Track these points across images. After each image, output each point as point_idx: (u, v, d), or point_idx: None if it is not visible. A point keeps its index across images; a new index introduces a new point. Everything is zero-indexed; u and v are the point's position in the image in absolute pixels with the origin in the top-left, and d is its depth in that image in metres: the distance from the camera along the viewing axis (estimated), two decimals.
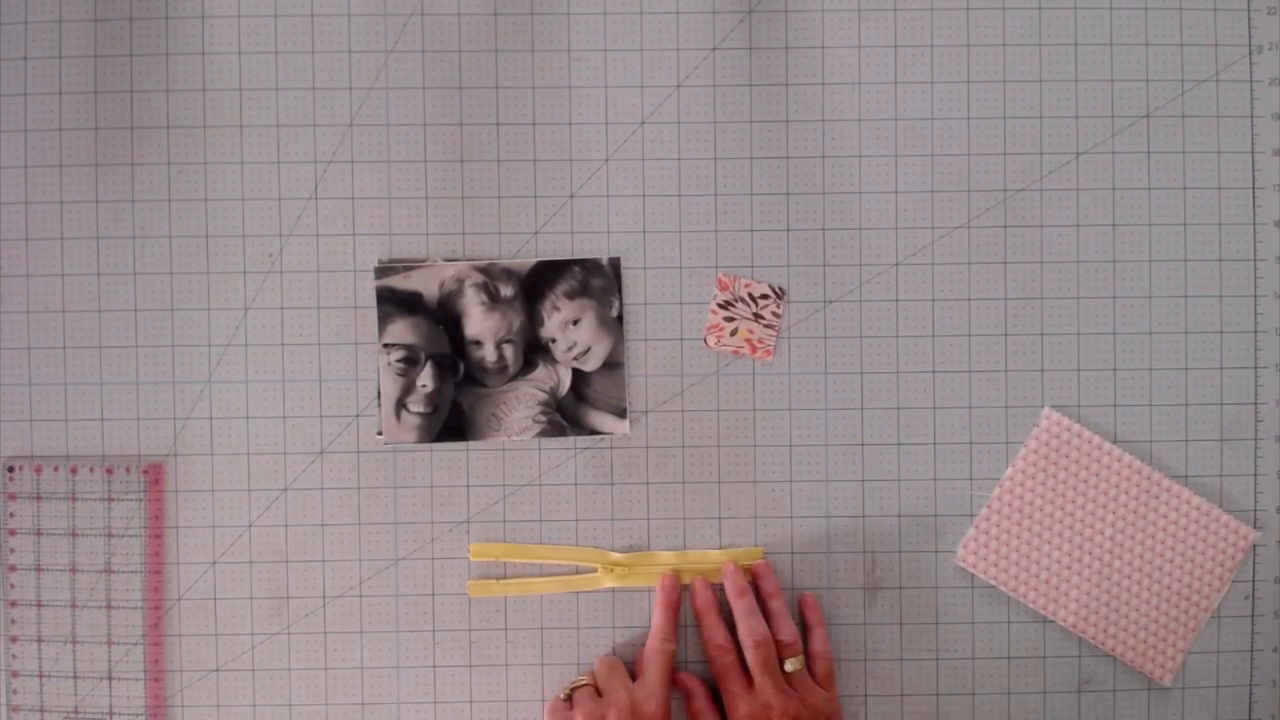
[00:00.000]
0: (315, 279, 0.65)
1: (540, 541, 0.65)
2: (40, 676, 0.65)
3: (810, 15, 0.65)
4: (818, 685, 0.62)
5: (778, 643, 0.61)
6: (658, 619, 0.63)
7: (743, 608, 0.62)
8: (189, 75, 0.65)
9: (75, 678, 0.65)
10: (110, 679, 0.65)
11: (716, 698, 0.62)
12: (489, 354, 0.65)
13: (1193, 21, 0.65)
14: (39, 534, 0.65)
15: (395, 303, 0.65)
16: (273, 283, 0.65)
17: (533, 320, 0.65)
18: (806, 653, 0.63)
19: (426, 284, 0.65)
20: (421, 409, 0.65)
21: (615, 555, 0.65)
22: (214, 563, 0.65)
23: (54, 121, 0.65)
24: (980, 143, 0.65)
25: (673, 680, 0.62)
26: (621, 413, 0.65)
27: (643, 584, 0.65)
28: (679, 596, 0.64)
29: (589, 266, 0.65)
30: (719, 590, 0.64)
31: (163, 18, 0.65)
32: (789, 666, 0.61)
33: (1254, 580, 0.65)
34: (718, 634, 0.62)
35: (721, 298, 0.65)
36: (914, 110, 0.65)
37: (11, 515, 0.65)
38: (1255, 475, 0.65)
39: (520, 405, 0.65)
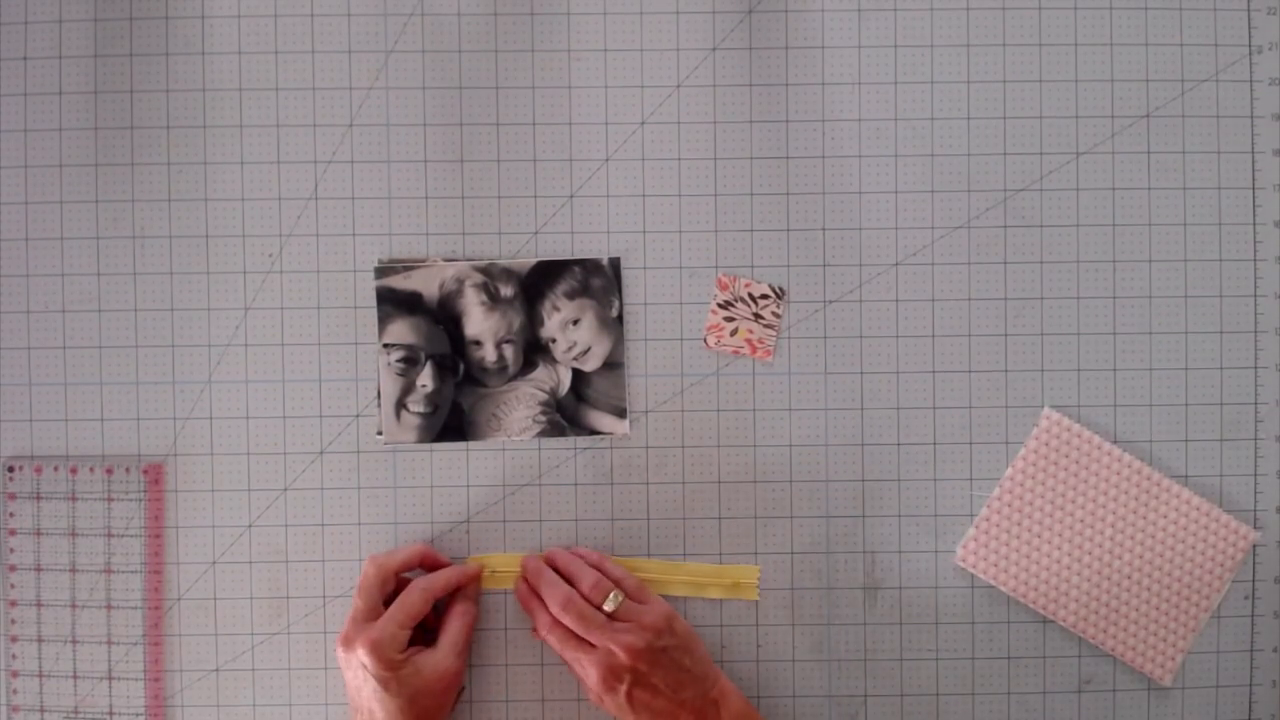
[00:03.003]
0: (315, 279, 0.65)
1: (540, 541, 0.65)
2: (40, 676, 0.65)
3: (810, 15, 0.65)
4: (640, 604, 0.61)
5: (583, 595, 0.61)
6: (442, 573, 0.63)
7: (545, 584, 0.61)
8: (189, 75, 0.65)
9: (75, 678, 0.65)
10: (110, 679, 0.65)
11: None
12: (489, 354, 0.65)
13: (1193, 21, 0.65)
14: (39, 534, 0.65)
15: (395, 303, 0.65)
16: (273, 283, 0.65)
17: (533, 320, 0.65)
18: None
19: (426, 284, 0.65)
20: (421, 409, 0.65)
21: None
22: (214, 563, 0.65)
23: (54, 121, 0.65)
24: (980, 143, 0.65)
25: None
26: (621, 413, 0.65)
27: None
28: (477, 573, 0.64)
29: (589, 266, 0.65)
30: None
31: (163, 18, 0.65)
32: (609, 605, 0.60)
33: (1254, 580, 0.65)
34: (538, 619, 0.61)
35: (721, 298, 0.65)
36: (914, 110, 0.65)
37: (11, 515, 0.65)
38: (1255, 475, 0.65)
39: (520, 405, 0.65)
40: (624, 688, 0.58)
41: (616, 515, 0.65)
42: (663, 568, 0.65)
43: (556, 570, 0.63)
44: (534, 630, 0.62)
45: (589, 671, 0.59)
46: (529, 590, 0.63)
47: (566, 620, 0.60)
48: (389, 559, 0.62)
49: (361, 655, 0.58)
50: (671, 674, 0.59)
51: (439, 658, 0.60)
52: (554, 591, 0.61)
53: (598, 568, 0.63)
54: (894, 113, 0.65)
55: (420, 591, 0.60)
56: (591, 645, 0.59)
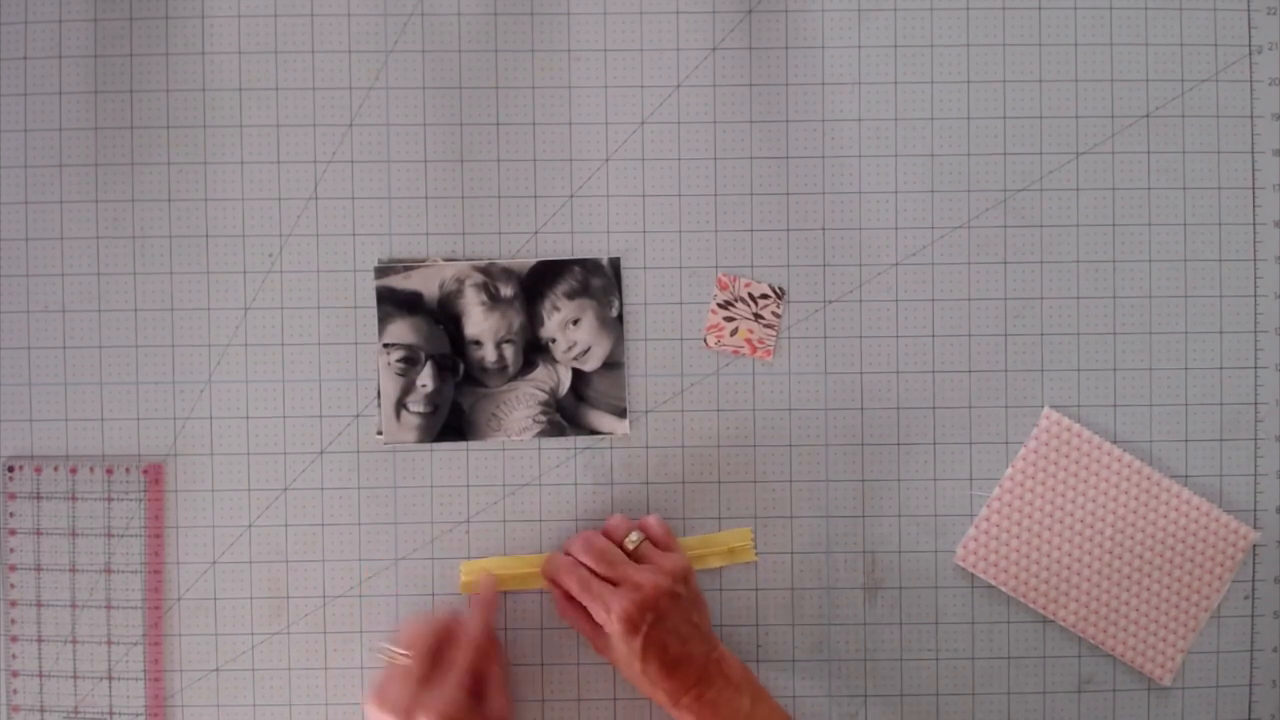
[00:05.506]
0: (315, 279, 0.65)
1: (540, 541, 0.65)
2: (40, 676, 0.65)
3: (810, 15, 0.65)
4: (661, 549, 0.62)
5: (607, 535, 0.62)
6: (473, 619, 0.61)
7: (571, 542, 0.62)
8: (189, 75, 0.65)
9: (75, 678, 0.65)
10: (110, 679, 0.65)
11: None
12: (489, 354, 0.65)
13: (1193, 21, 0.65)
14: (39, 534, 0.65)
15: (395, 303, 0.65)
16: (273, 283, 0.65)
17: (533, 320, 0.65)
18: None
19: (426, 284, 0.65)
20: (421, 409, 0.65)
21: None
22: (214, 563, 0.65)
23: (54, 121, 0.65)
24: (980, 143, 0.65)
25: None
26: (621, 413, 0.65)
27: None
28: (495, 597, 0.63)
29: (589, 266, 0.65)
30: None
31: (163, 18, 0.65)
32: (630, 543, 0.61)
33: (1254, 580, 0.65)
34: (559, 559, 0.62)
35: (721, 298, 0.65)
36: (914, 110, 0.65)
37: (11, 515, 0.65)
38: (1255, 475, 0.65)
39: (520, 405, 0.65)
40: (645, 628, 0.57)
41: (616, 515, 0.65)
42: None
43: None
44: (558, 581, 0.61)
45: (612, 608, 0.57)
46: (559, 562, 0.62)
47: (587, 559, 0.60)
48: (441, 623, 0.60)
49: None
50: (684, 624, 0.59)
51: (495, 708, 0.59)
52: (575, 537, 0.62)
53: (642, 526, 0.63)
54: (894, 113, 0.65)
55: (471, 652, 0.58)
56: (613, 584, 0.59)
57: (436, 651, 0.58)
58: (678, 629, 0.58)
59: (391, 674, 0.58)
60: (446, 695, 0.56)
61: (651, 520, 0.63)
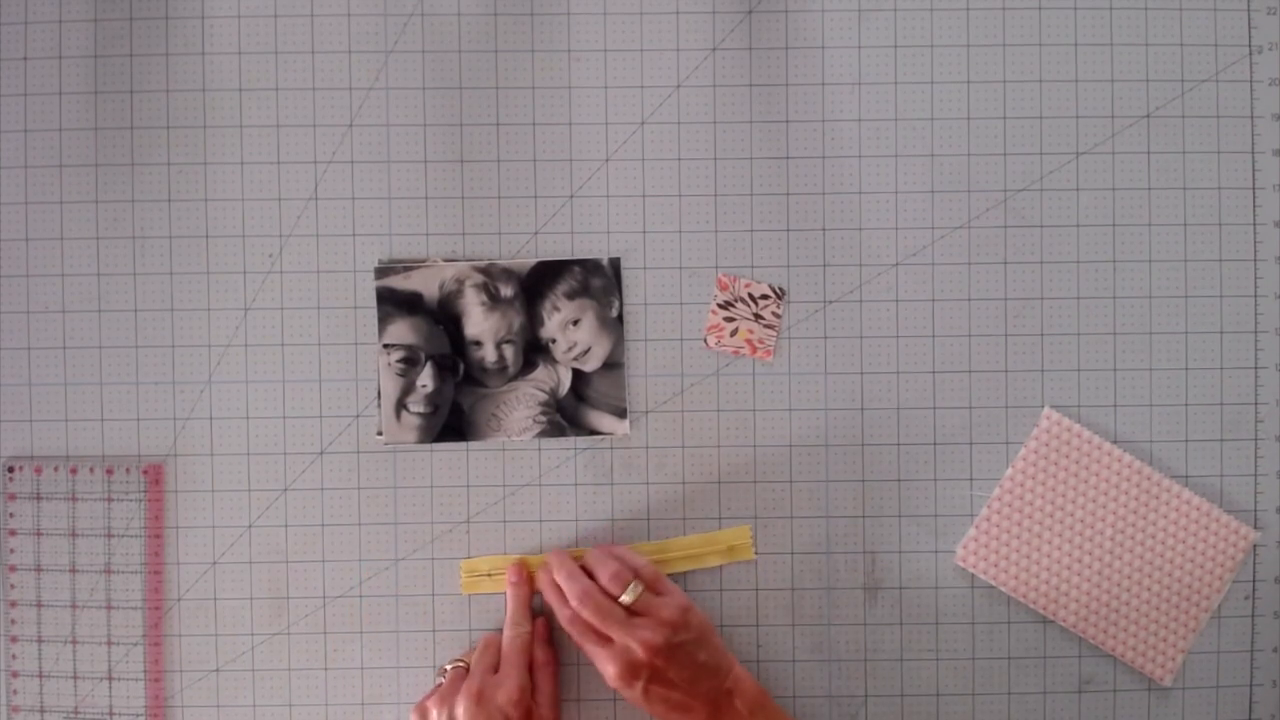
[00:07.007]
0: (315, 279, 0.65)
1: (540, 541, 0.65)
2: (40, 676, 0.65)
3: (810, 15, 0.65)
4: (659, 596, 0.61)
5: (602, 586, 0.61)
6: (509, 606, 0.63)
7: (564, 577, 0.62)
8: (189, 75, 0.65)
9: (75, 678, 0.65)
10: (110, 679, 0.65)
11: None
12: (489, 354, 0.65)
13: (1193, 21, 0.65)
14: (39, 534, 0.65)
15: (395, 303, 0.65)
16: (273, 283, 0.65)
17: (533, 320, 0.65)
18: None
19: (426, 284, 0.65)
20: (421, 409, 0.65)
21: None
22: (214, 563, 0.65)
23: (54, 121, 0.65)
24: (980, 143, 0.65)
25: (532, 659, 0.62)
26: (621, 413, 0.65)
27: None
28: (527, 590, 0.64)
29: (589, 266, 0.65)
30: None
31: (163, 18, 0.65)
32: (627, 597, 0.60)
33: (1254, 580, 0.65)
34: (559, 612, 0.62)
35: (721, 298, 0.65)
36: (914, 110, 0.65)
37: (11, 515, 0.65)
38: (1255, 475, 0.65)
39: (520, 405, 0.65)
40: (641, 683, 0.58)
41: (616, 515, 0.65)
42: (657, 546, 0.65)
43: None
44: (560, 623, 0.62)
45: (606, 666, 0.59)
46: (553, 582, 0.62)
47: (585, 614, 0.60)
48: (491, 636, 0.64)
49: (505, 705, 0.58)
50: (687, 669, 0.59)
51: (544, 713, 0.61)
52: (573, 585, 0.61)
53: (619, 558, 0.62)
54: (894, 113, 0.65)
55: (523, 644, 0.62)
56: (609, 639, 0.59)
57: (494, 652, 0.62)
58: (680, 676, 0.59)
59: (451, 679, 0.61)
60: (516, 678, 0.59)
61: (639, 566, 0.62)
